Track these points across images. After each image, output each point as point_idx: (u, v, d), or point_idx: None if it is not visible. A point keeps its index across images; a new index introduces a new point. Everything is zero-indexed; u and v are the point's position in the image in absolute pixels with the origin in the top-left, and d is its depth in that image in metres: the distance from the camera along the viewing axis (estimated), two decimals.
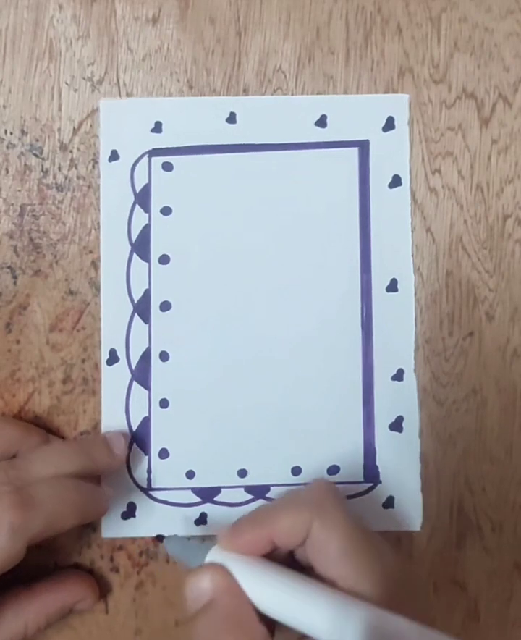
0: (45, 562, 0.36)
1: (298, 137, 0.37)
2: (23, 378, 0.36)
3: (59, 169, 0.36)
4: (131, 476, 0.36)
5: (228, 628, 0.27)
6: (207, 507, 0.36)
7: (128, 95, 0.37)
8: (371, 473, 0.36)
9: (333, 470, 0.36)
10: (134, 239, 0.37)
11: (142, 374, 0.36)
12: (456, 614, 0.36)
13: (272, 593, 0.28)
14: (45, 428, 0.36)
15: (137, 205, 0.37)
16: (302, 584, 0.28)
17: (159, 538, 0.36)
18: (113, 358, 0.36)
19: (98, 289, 0.36)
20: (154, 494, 0.36)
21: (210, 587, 0.28)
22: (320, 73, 0.37)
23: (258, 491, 0.36)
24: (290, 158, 0.37)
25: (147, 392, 0.36)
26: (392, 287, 0.36)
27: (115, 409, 0.36)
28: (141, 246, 0.37)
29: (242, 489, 0.36)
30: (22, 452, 0.34)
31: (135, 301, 0.36)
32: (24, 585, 0.33)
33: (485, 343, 0.37)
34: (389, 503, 0.36)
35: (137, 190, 0.37)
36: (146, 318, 0.37)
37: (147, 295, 0.37)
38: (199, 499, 0.36)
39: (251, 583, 0.28)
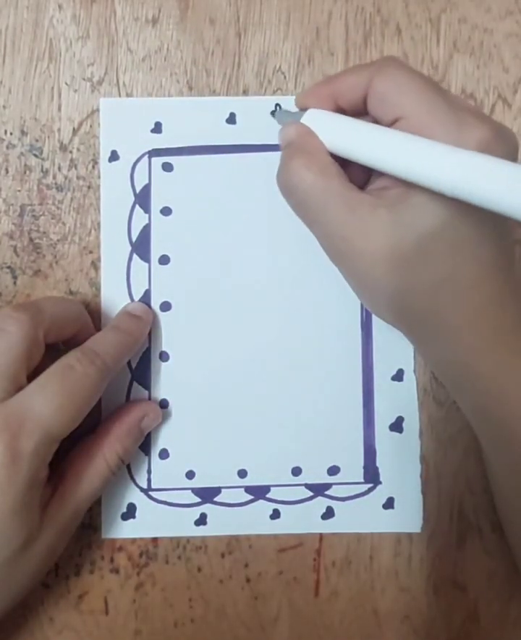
0: None
1: None
2: None
3: (59, 169, 0.36)
4: (131, 476, 0.36)
5: (298, 152, 0.30)
6: (207, 508, 0.36)
7: (128, 95, 0.37)
8: (371, 474, 0.36)
9: (334, 470, 0.36)
10: (134, 239, 0.37)
11: (142, 374, 0.36)
12: (456, 615, 0.36)
13: (349, 135, 0.30)
14: None
15: (137, 206, 0.37)
16: (396, 133, 0.29)
17: (272, 113, 0.35)
18: None
19: (98, 290, 0.36)
20: (154, 494, 0.36)
21: (294, 131, 0.31)
22: (320, 74, 0.37)
23: (258, 492, 0.36)
24: None
25: (147, 392, 0.36)
26: None
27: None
28: (141, 246, 0.37)
29: (242, 489, 0.36)
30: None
31: (135, 301, 0.36)
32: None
33: None
34: (389, 504, 0.36)
35: (137, 191, 0.37)
36: None
37: (147, 295, 0.37)
38: (199, 500, 0.36)
39: (341, 132, 0.30)
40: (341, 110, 0.31)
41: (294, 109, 0.32)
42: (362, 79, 0.30)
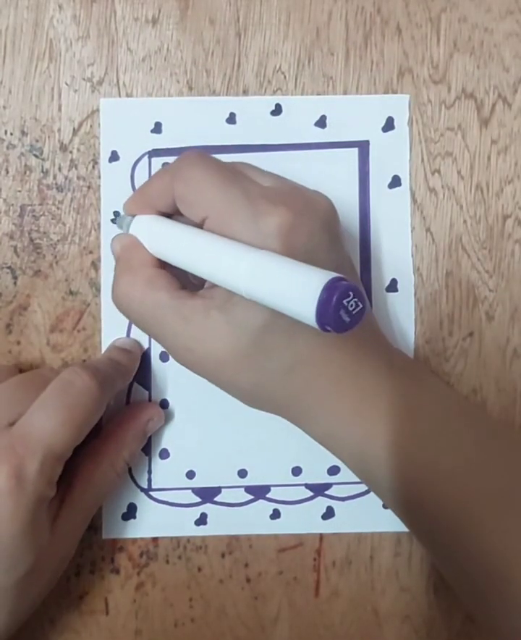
0: None
1: (298, 138, 0.37)
2: None
3: (59, 169, 0.36)
4: (131, 476, 0.36)
5: (121, 270, 0.32)
6: (207, 508, 0.36)
7: (128, 95, 0.37)
8: None
9: (334, 470, 0.36)
10: None
11: (142, 375, 0.36)
12: (455, 615, 0.36)
13: (174, 244, 0.31)
14: None
15: None
16: (201, 235, 0.30)
17: (115, 213, 0.36)
18: None
19: (98, 290, 0.36)
20: (154, 494, 0.36)
21: (117, 245, 0.33)
22: (320, 74, 0.37)
23: (258, 492, 0.36)
24: (290, 158, 0.37)
25: (147, 392, 0.36)
26: (392, 287, 0.36)
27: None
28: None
29: (242, 489, 0.36)
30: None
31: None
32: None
33: (485, 343, 0.37)
34: None
35: None
36: None
37: None
38: (199, 500, 0.36)
39: (156, 238, 0.32)
40: (164, 214, 0.33)
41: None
42: (166, 183, 0.31)
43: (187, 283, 0.32)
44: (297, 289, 0.25)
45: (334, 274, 0.25)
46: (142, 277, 0.31)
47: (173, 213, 0.32)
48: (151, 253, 0.32)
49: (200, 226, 0.31)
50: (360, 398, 0.31)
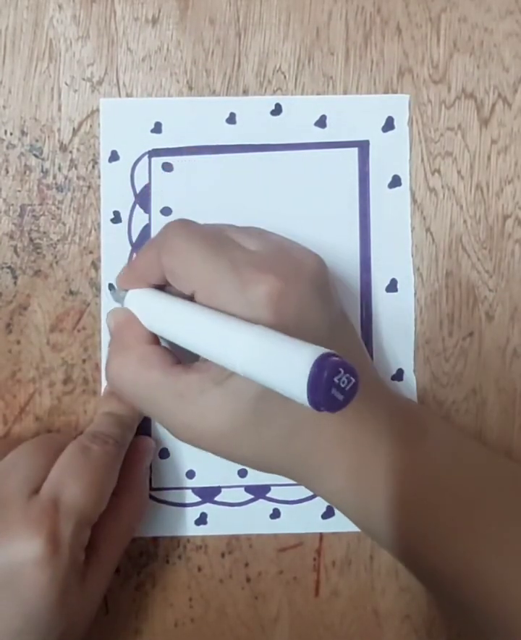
0: None
1: (298, 138, 0.37)
2: (24, 379, 0.36)
3: (59, 169, 0.36)
4: None
5: (114, 350, 0.32)
6: (207, 507, 0.36)
7: (128, 95, 0.37)
8: None
9: None
10: (134, 239, 0.37)
11: None
12: None
13: (167, 320, 0.31)
14: (46, 429, 0.36)
15: (137, 206, 0.37)
16: (193, 311, 0.30)
17: (110, 286, 0.36)
18: None
19: (98, 290, 0.36)
20: (154, 494, 0.36)
21: (112, 322, 0.33)
22: (320, 73, 0.37)
23: (258, 491, 0.36)
24: (290, 158, 0.37)
25: None
26: (392, 287, 0.36)
27: None
28: (141, 246, 0.37)
29: (242, 488, 0.36)
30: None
31: None
32: None
33: (485, 343, 0.37)
34: None
35: (137, 191, 0.37)
36: None
37: None
38: (199, 499, 0.36)
39: (150, 313, 0.32)
40: (158, 286, 0.32)
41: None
42: (154, 257, 0.31)
43: (183, 354, 0.31)
44: (286, 371, 0.25)
45: (322, 351, 0.24)
46: (135, 356, 0.31)
47: (166, 285, 0.32)
48: (146, 326, 0.32)
49: (191, 298, 0.30)
50: (361, 456, 0.31)
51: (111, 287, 0.36)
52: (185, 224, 0.31)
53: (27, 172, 0.36)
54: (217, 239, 0.30)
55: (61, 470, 0.31)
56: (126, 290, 0.33)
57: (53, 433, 0.36)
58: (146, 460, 0.35)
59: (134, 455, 0.34)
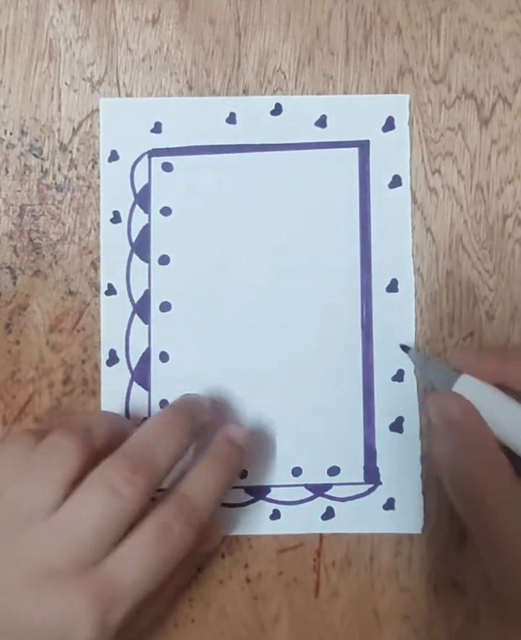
0: None
1: (298, 138, 0.37)
2: (23, 379, 0.36)
3: (59, 169, 0.36)
4: None
5: (471, 445, 0.30)
6: None
7: (128, 95, 0.37)
8: (372, 474, 0.36)
9: (334, 471, 0.36)
10: (134, 239, 0.37)
11: (142, 375, 0.36)
12: (456, 616, 0.36)
13: (513, 422, 0.30)
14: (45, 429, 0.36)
15: (137, 206, 0.37)
16: None
17: (403, 347, 0.35)
18: (113, 359, 0.36)
19: (97, 290, 0.36)
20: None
21: (459, 410, 0.30)
22: (320, 73, 0.37)
23: (258, 492, 0.36)
24: (290, 158, 0.37)
25: (147, 392, 0.36)
26: (392, 287, 0.36)
27: (115, 410, 0.36)
28: (141, 246, 0.37)
29: (242, 489, 0.36)
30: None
31: (135, 302, 0.36)
32: None
33: (485, 343, 0.36)
34: (390, 505, 0.36)
35: (137, 191, 0.37)
36: (146, 318, 0.37)
37: (147, 295, 0.37)
38: None
39: (498, 414, 0.30)
40: (503, 388, 0.31)
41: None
42: None
43: None
44: None
45: None
46: (493, 460, 0.30)
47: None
48: (499, 434, 0.30)
49: None
50: None
51: (404, 348, 0.35)
52: None
53: (27, 172, 0.36)
54: None
55: (132, 549, 0.29)
56: (457, 372, 0.31)
57: (132, 490, 0.30)
58: (208, 545, 0.34)
59: (201, 537, 0.31)
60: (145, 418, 0.36)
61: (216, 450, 0.33)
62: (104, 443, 0.31)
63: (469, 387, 0.31)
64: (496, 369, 0.31)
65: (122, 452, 0.30)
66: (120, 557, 0.29)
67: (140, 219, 0.37)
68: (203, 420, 0.34)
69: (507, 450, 0.31)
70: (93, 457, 0.30)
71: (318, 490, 0.36)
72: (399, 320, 0.36)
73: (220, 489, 0.32)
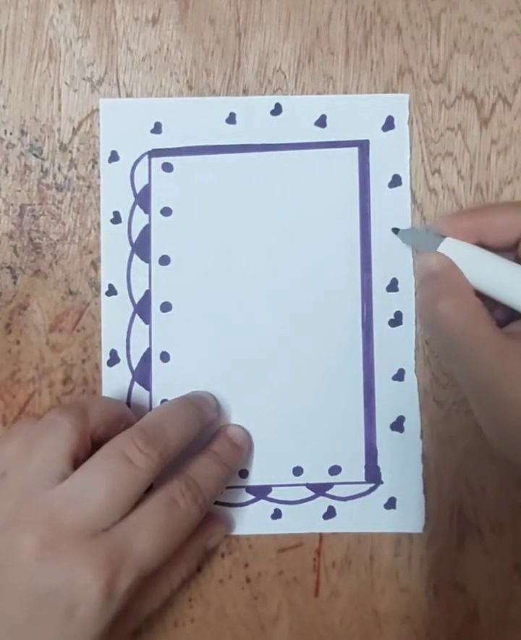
0: None
1: (298, 137, 0.37)
2: (23, 379, 0.36)
3: (59, 169, 0.36)
4: None
5: (447, 291, 0.31)
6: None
7: (128, 95, 0.37)
8: (373, 474, 0.36)
9: (335, 470, 0.36)
10: (134, 239, 0.37)
11: (142, 375, 0.36)
12: (456, 616, 0.36)
13: (494, 274, 0.31)
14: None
15: (137, 206, 0.37)
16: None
17: (394, 230, 0.35)
18: (113, 359, 0.36)
19: (98, 290, 0.36)
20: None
21: (436, 262, 0.32)
22: (320, 73, 0.37)
23: (259, 492, 0.36)
24: (290, 158, 0.37)
25: (148, 392, 0.36)
26: (392, 287, 0.36)
27: None
28: (141, 247, 0.37)
29: (243, 489, 0.36)
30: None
31: (136, 302, 0.36)
32: None
33: None
34: (391, 504, 0.36)
35: (137, 191, 0.37)
36: (147, 318, 0.37)
37: (147, 295, 0.37)
38: None
39: (478, 269, 0.32)
40: (482, 245, 0.32)
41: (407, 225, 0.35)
42: (518, 220, 0.31)
43: None
44: None
45: None
46: (468, 306, 0.30)
47: (493, 250, 0.32)
48: (473, 284, 0.31)
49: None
50: None
51: (395, 231, 0.35)
52: None
53: (27, 172, 0.36)
54: None
55: (140, 520, 0.30)
56: (440, 236, 0.32)
57: (139, 467, 0.31)
58: (212, 540, 0.35)
59: (205, 529, 0.34)
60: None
61: (218, 446, 0.35)
62: (99, 424, 0.32)
63: (452, 247, 0.32)
64: (470, 225, 0.32)
65: (137, 427, 0.32)
66: (130, 524, 0.29)
67: (140, 219, 0.37)
68: (211, 416, 0.35)
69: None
70: (87, 437, 0.31)
71: (319, 489, 0.36)
72: (399, 320, 0.36)
73: (221, 479, 0.33)
